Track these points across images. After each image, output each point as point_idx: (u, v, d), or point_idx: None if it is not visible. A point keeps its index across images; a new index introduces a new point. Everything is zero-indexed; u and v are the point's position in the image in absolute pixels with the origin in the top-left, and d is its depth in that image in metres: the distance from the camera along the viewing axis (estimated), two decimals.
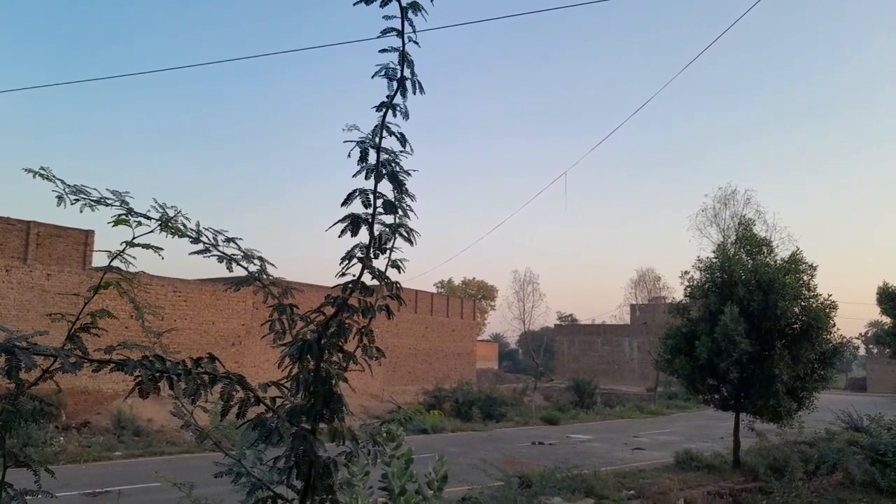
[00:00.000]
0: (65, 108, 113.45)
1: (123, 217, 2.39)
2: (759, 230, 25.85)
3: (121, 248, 2.39)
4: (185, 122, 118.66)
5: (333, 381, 2.67)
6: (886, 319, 32.06)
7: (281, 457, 2.71)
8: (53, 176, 2.27)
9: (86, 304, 2.32)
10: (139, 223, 2.41)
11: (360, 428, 3.18)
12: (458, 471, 9.89)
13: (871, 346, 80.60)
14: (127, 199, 2.40)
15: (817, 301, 18.28)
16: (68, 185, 2.32)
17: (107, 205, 2.36)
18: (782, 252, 20.24)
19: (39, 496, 2.34)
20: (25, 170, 2.24)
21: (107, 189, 2.38)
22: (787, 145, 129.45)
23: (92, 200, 2.34)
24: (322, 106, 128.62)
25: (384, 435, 3.55)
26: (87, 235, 24.88)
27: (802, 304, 18.22)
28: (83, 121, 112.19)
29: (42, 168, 2.25)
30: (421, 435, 25.12)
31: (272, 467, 2.93)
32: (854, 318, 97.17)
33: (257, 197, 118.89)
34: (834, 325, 18.24)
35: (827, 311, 18.02)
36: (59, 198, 2.30)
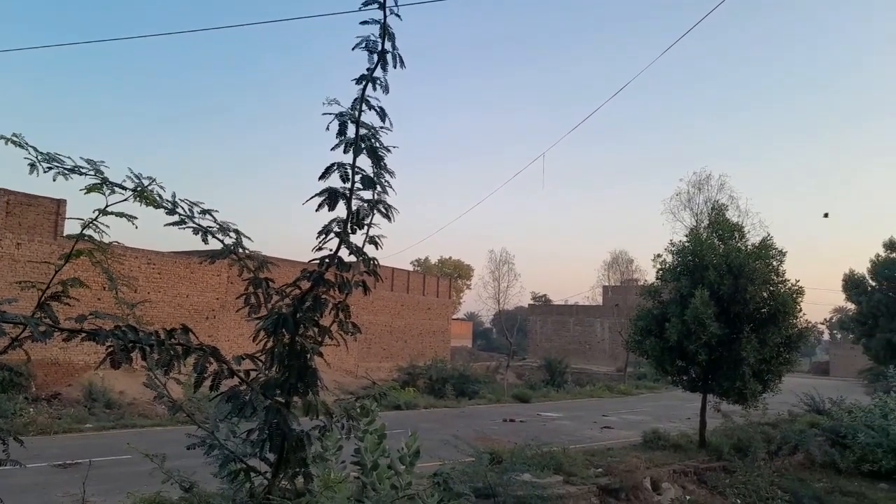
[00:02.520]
0: (42, 76, 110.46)
1: (97, 185, 2.35)
2: (732, 215, 26.07)
3: (94, 215, 2.35)
4: (158, 98, 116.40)
5: (308, 356, 2.68)
6: (851, 305, 32.84)
7: (254, 430, 2.72)
8: (26, 143, 2.22)
9: (56, 272, 2.28)
10: (113, 192, 2.38)
11: (335, 403, 3.19)
12: (431, 446, 9.96)
13: (835, 331, 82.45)
14: (102, 168, 2.36)
15: (785, 286, 18.58)
16: (41, 153, 2.27)
17: (81, 174, 2.32)
18: (753, 237, 20.52)
19: (9, 466, 2.33)
20: None
21: (81, 157, 2.34)
22: (760, 130, 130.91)
23: (66, 169, 2.29)
24: (299, 80, 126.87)
25: (358, 410, 3.57)
26: (59, 205, 24.38)
27: (771, 288, 18.50)
28: (61, 88, 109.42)
29: (14, 135, 2.20)
30: (394, 411, 25.23)
31: (245, 440, 2.93)
32: (819, 303, 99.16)
33: (233, 171, 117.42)
34: (800, 310, 18.58)
35: (794, 296, 18.33)
36: (32, 165, 2.25)
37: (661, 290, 20.05)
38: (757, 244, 19.29)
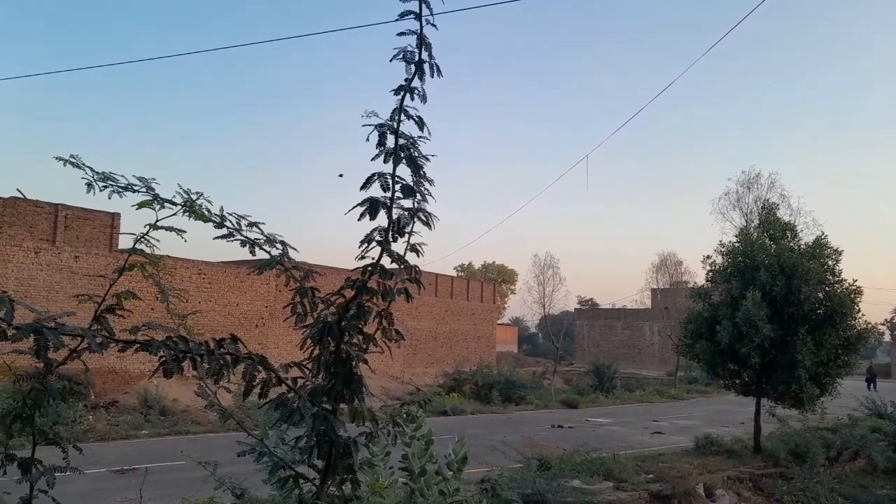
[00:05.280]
0: (84, 92, 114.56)
1: (148, 201, 2.43)
2: (783, 214, 25.55)
3: (145, 230, 2.43)
4: (206, 104, 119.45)
5: (354, 363, 2.71)
6: None
7: (302, 437, 2.75)
8: (83, 163, 2.32)
9: (111, 285, 2.37)
10: (163, 207, 2.46)
11: (381, 409, 3.22)
12: (478, 452, 9.96)
13: None
14: (153, 185, 2.45)
15: (842, 286, 18.01)
16: (97, 173, 2.36)
17: (134, 191, 2.41)
18: (807, 237, 19.97)
19: (68, 472, 2.42)
20: (56, 158, 2.28)
21: (133, 175, 2.43)
22: (812, 128, 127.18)
23: (119, 187, 2.38)
24: (340, 90, 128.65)
25: (404, 416, 3.59)
26: (114, 218, 25.22)
27: (826, 289, 17.95)
28: (99, 105, 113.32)
29: (72, 156, 2.29)
30: (441, 417, 25.30)
31: (294, 447, 2.98)
32: (880, 303, 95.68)
33: (278, 177, 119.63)
34: (858, 310, 17.98)
35: (851, 296, 17.75)
36: (89, 185, 2.34)
37: (712, 292, 19.65)
38: (811, 243, 18.75)
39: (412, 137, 2.68)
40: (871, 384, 42.98)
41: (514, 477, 11.70)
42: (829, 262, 18.22)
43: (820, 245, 18.45)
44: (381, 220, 2.68)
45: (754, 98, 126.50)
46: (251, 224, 2.67)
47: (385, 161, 2.64)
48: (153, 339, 2.26)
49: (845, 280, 18.17)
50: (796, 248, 18.53)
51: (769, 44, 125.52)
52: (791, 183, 78.82)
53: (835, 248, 18.47)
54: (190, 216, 2.50)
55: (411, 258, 2.79)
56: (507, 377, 34.73)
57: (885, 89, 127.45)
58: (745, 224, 33.06)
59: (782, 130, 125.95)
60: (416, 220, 2.74)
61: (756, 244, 18.58)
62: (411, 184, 2.69)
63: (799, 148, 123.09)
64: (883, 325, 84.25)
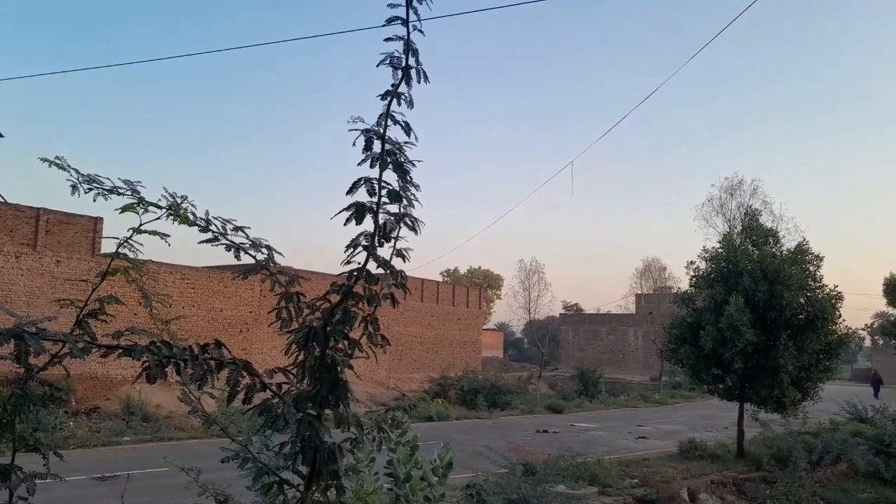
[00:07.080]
0: (67, 97, 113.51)
1: (132, 204, 2.41)
2: (766, 220, 25.74)
3: (128, 234, 2.41)
4: (191, 111, 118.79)
5: (339, 368, 2.70)
6: (893, 310, 32.02)
7: (287, 442, 2.74)
8: (68, 165, 2.29)
9: (93, 290, 2.34)
10: (147, 210, 2.44)
11: (366, 415, 3.21)
12: (463, 458, 9.94)
13: (876, 337, 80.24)
14: (138, 188, 2.43)
15: (823, 292, 18.18)
16: (82, 175, 2.34)
17: (119, 194, 2.39)
18: (789, 242, 20.14)
19: (49, 479, 2.39)
20: (41, 159, 2.26)
21: (118, 178, 2.41)
22: (793, 135, 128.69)
23: (105, 190, 2.36)
24: (326, 95, 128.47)
25: (389, 422, 3.58)
26: (96, 222, 24.97)
27: (808, 294, 18.11)
28: (84, 110, 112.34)
29: (57, 157, 2.27)
30: (426, 422, 25.23)
31: (278, 453, 2.96)
32: (860, 308, 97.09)
33: (264, 184, 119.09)
34: (839, 315, 18.15)
35: (832, 301, 17.92)
36: (74, 187, 2.32)
37: (695, 298, 19.76)
38: (792, 249, 18.92)
39: (399, 143, 2.68)
40: (876, 390, 42.65)
41: (500, 482, 11.67)
42: (811, 268, 18.40)
43: (801, 251, 18.63)
44: (368, 224, 2.68)
45: (738, 103, 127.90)
46: (236, 228, 2.66)
47: (371, 166, 2.64)
48: (136, 344, 2.24)
49: (826, 285, 18.36)
50: (778, 253, 18.68)
51: (753, 48, 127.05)
52: (773, 189, 79.29)
53: (816, 253, 18.67)
54: (175, 220, 2.48)
55: (397, 263, 2.79)
56: (492, 382, 34.70)
57: (864, 95, 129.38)
58: (728, 230, 33.29)
59: (765, 136, 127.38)
60: (402, 225, 2.75)
61: (739, 250, 18.72)
62: (398, 189, 2.69)
63: (782, 153, 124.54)
64: (863, 330, 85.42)
